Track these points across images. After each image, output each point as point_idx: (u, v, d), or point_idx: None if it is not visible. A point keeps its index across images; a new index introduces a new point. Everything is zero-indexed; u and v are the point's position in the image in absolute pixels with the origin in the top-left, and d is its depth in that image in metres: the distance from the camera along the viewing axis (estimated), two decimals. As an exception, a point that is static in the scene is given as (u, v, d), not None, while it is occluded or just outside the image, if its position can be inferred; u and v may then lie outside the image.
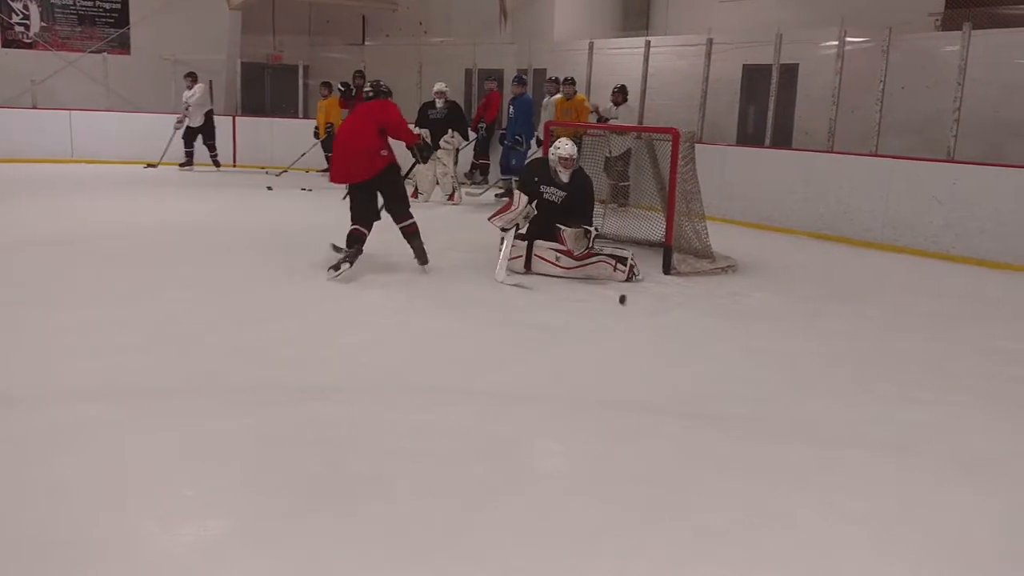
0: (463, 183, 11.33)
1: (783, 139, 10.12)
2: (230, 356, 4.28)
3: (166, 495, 2.80)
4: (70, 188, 10.62)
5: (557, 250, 6.24)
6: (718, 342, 4.89)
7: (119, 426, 3.34)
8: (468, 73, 14.01)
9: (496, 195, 10.96)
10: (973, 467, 3.29)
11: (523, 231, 6.26)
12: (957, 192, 7.61)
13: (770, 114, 9.56)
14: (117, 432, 3.28)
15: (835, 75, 8.93)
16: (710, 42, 10.11)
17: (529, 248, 6.26)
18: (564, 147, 6.41)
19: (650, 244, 7.31)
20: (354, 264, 6.02)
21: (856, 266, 7.51)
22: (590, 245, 6.23)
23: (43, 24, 14.18)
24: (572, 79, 10.89)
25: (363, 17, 16.60)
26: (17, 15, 14.02)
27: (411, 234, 6.32)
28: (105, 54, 14.15)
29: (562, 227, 6.23)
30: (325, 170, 12.90)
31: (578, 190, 6.45)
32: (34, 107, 13.33)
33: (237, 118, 13.93)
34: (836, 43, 9.01)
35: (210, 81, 14.40)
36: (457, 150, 10.60)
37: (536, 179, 6.48)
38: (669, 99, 11.30)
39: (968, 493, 3.06)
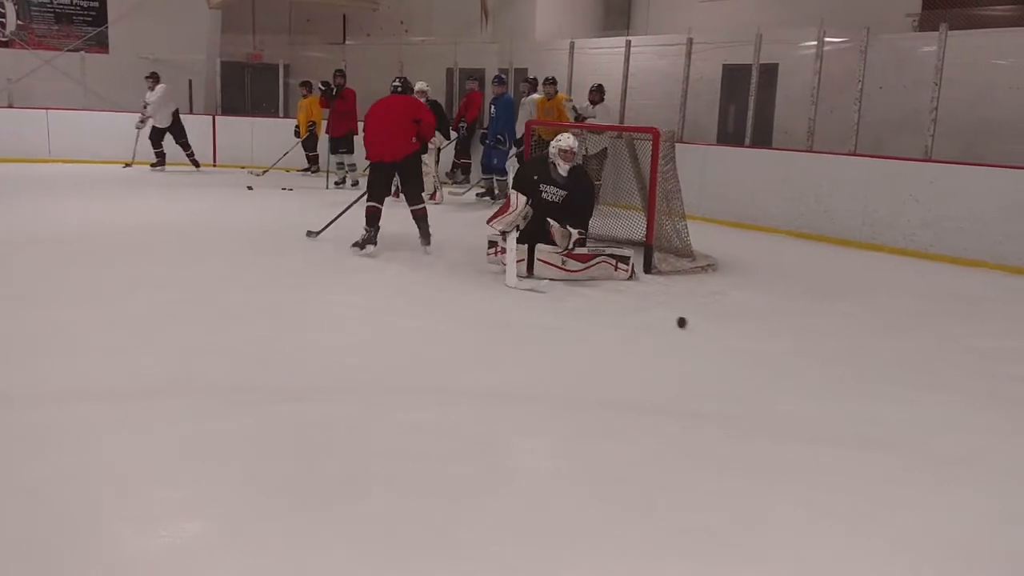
0: (445, 183, 11.32)
1: (763, 138, 10.17)
2: (209, 357, 4.25)
3: (144, 496, 2.78)
4: (48, 188, 10.51)
5: (563, 253, 6.19)
6: (699, 341, 4.91)
7: (97, 427, 3.31)
8: (449, 72, 14.01)
9: (477, 194, 10.97)
10: (951, 464, 3.32)
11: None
12: (935, 191, 7.68)
13: (750, 114, 9.60)
14: (95, 433, 3.25)
15: (814, 75, 8.98)
16: (690, 42, 10.15)
17: (530, 252, 6.15)
18: (565, 139, 6.30)
19: (631, 243, 7.32)
20: (376, 240, 6.86)
21: (835, 265, 7.56)
22: (569, 246, 6.19)
23: (19, 22, 14.03)
24: (553, 79, 10.90)
25: (344, 16, 16.53)
26: (-7, 13, 13.88)
27: (420, 217, 7.09)
28: (83, 53, 14.02)
29: (551, 222, 6.18)
30: (306, 169, 12.89)
31: (579, 191, 6.34)
32: (10, 106, 13.19)
33: (217, 117, 13.85)
34: (815, 43, 9.07)
35: (190, 80, 14.35)
36: (439, 149, 10.59)
37: (535, 177, 6.36)
38: (650, 98, 11.32)
39: (946, 490, 3.09)
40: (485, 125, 11.10)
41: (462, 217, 9.25)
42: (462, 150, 12.18)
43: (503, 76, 11.03)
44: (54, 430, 3.27)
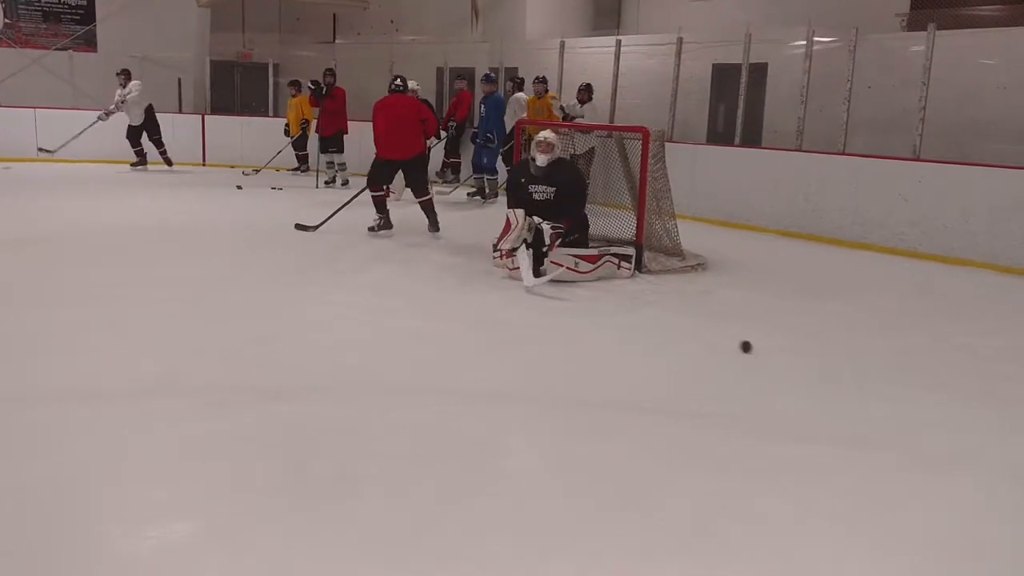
0: (434, 182, 11.31)
1: (753, 138, 10.19)
2: (205, 357, 4.23)
3: (133, 497, 2.77)
4: (36, 187, 10.46)
5: (575, 255, 6.19)
6: (688, 340, 4.92)
7: (85, 427, 3.30)
8: (440, 71, 13.99)
9: (468, 194, 10.96)
10: (945, 463, 3.33)
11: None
12: (923, 190, 7.71)
13: (740, 113, 9.62)
14: (83, 434, 3.24)
15: (803, 74, 9.01)
16: (680, 41, 10.16)
17: (536, 255, 6.07)
18: (542, 132, 6.34)
19: (621, 242, 7.33)
20: (391, 224, 7.71)
21: (825, 263, 7.59)
22: (548, 242, 6.06)
23: (7, 21, 13.95)
24: (544, 78, 10.92)
25: (334, 15, 16.50)
26: (-20, 12, 13.80)
27: (427, 207, 7.85)
28: (71, 51, 13.96)
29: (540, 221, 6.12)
30: (296, 169, 12.86)
31: (567, 186, 6.32)
32: (-2, 105, 13.13)
33: (207, 116, 13.80)
34: (804, 43, 9.09)
35: (179, 79, 14.29)
36: (429, 148, 10.57)
37: (523, 180, 6.37)
38: (639, 98, 11.33)
39: (935, 488, 3.11)
40: (476, 124, 11.10)
41: (454, 216, 9.23)
42: (451, 149, 12.18)
43: (492, 75, 11.03)
44: (49, 430, 3.25)
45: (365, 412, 3.62)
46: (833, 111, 8.86)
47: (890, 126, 8.94)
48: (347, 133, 11.70)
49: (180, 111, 14.31)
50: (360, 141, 11.92)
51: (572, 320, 5.32)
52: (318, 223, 7.76)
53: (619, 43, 11.18)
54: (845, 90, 8.58)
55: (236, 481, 2.91)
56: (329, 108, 11.45)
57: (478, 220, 9.05)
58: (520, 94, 10.91)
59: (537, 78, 10.91)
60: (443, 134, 11.55)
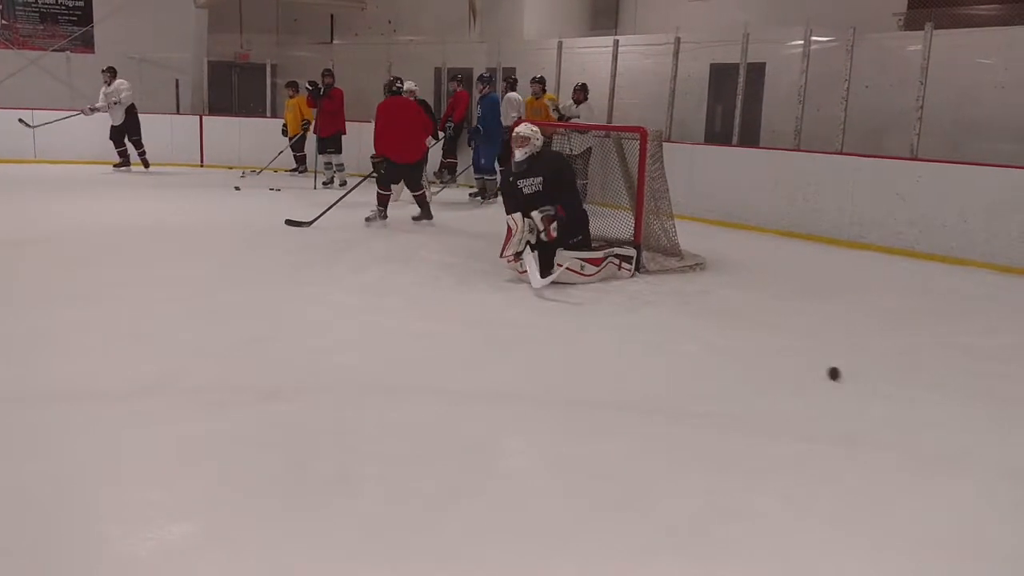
0: (432, 182, 11.31)
1: (751, 138, 10.20)
2: (197, 357, 4.23)
3: (132, 497, 2.76)
4: (34, 188, 10.45)
5: (581, 259, 6.19)
6: (687, 340, 4.92)
7: (83, 428, 3.29)
8: (438, 72, 13.98)
9: (470, 194, 10.97)
10: (938, 461, 3.34)
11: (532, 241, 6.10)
12: (921, 189, 7.72)
13: (737, 113, 9.63)
14: (81, 434, 3.23)
15: (801, 74, 9.02)
16: (678, 41, 10.17)
17: (546, 257, 6.08)
18: (516, 128, 6.36)
19: (619, 243, 7.33)
20: (387, 216, 8.41)
21: (823, 263, 7.59)
22: (541, 227, 6.04)
23: (3, 22, 13.95)
24: (541, 78, 10.92)
25: (331, 16, 16.49)
26: (-23, 13, 13.78)
27: (420, 200, 8.64)
28: (68, 52, 13.94)
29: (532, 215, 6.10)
30: (294, 170, 12.86)
31: (553, 173, 6.28)
32: (-5, 106, 13.12)
33: (204, 117, 13.79)
34: (802, 42, 9.10)
35: (177, 80, 14.28)
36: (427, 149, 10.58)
37: (511, 178, 6.40)
38: (637, 98, 11.34)
39: (935, 487, 3.11)
40: (474, 124, 11.10)
41: (454, 216, 9.24)
42: (449, 150, 12.18)
43: (486, 75, 11.04)
44: (49, 430, 3.25)
45: (364, 412, 3.62)
46: (831, 111, 8.86)
47: (888, 125, 8.95)
48: (345, 134, 11.69)
49: (178, 112, 14.30)
50: (359, 142, 11.93)
51: (571, 320, 5.32)
52: (312, 219, 7.80)
53: (617, 43, 11.17)
54: (843, 89, 8.59)
55: (235, 481, 2.90)
56: (327, 109, 11.44)
57: (478, 220, 9.06)
58: (513, 93, 10.91)
59: (534, 78, 10.91)
60: (440, 135, 11.55)
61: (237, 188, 11.09)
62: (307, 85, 11.63)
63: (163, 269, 6.22)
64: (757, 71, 10.26)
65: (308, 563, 2.43)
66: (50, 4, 14.19)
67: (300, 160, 12.84)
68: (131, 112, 12.28)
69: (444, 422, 3.55)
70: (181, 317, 4.96)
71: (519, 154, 6.28)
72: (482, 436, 3.41)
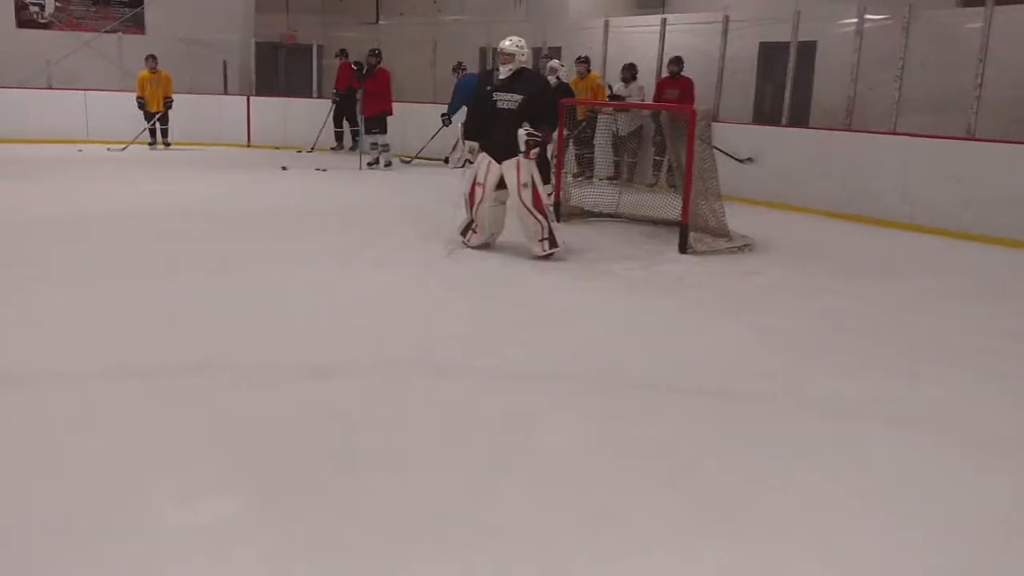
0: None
1: (800, 117, 10.03)
2: (243, 335, 4.29)
3: (182, 473, 2.81)
4: (85, 168, 10.66)
5: (534, 182, 6.15)
6: (733, 320, 4.87)
7: (133, 405, 3.36)
8: (483, 52, 13.94)
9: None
10: (979, 444, 3.28)
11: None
12: (977, 171, 7.52)
13: (787, 92, 9.47)
14: (131, 411, 3.30)
15: (853, 52, 8.83)
16: (726, 19, 10.02)
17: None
18: (502, 42, 6.26)
19: (667, 223, 7.28)
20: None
21: (873, 245, 7.45)
22: (522, 148, 6.01)
23: (58, 4, 14.19)
24: (587, 58, 10.82)
25: (377, -5, 16.55)
26: (32, -4, 14.05)
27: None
28: (120, 34, 14.15)
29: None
30: (334, 148, 13.03)
31: (535, 96, 6.18)
32: (49, 87, 13.37)
33: (251, 98, 13.93)
34: (855, 20, 8.91)
35: (224, 61, 14.45)
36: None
37: (488, 88, 6.29)
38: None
39: (973, 469, 3.06)
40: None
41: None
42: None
43: (462, 64, 11.28)
44: (98, 406, 3.33)
45: (407, 389, 3.65)
46: (884, 90, 8.67)
47: (943, 105, 8.72)
48: (391, 115, 11.70)
49: (225, 92, 14.46)
50: (404, 122, 11.96)
51: (616, 301, 5.30)
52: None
53: (664, 22, 11.05)
54: (897, 68, 8.40)
55: (282, 456, 2.94)
56: (371, 89, 11.45)
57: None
58: (555, 61, 10.62)
59: (579, 58, 10.80)
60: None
61: (285, 168, 11.18)
62: (353, 65, 11.66)
63: (208, 247, 6.32)
64: (808, 50, 10.07)
65: (359, 531, 2.46)
66: (102, -14, 14.42)
67: (338, 136, 12.97)
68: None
69: (489, 399, 3.56)
70: (226, 296, 5.03)
71: (503, 71, 6.21)
72: (529, 413, 3.42)
